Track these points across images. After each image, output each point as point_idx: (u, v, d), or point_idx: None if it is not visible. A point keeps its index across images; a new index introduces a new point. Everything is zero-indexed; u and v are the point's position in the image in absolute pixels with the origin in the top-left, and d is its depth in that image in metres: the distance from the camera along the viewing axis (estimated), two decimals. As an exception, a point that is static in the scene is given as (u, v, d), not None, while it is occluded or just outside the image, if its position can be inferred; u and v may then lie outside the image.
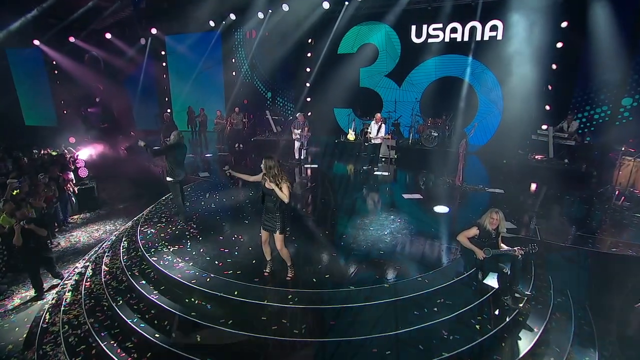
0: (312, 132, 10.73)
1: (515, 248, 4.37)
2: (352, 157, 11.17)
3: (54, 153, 11.25)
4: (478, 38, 11.07)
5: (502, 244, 4.58)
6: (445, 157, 9.82)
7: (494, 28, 10.79)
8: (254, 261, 5.04)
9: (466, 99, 11.35)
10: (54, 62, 18.39)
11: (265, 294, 4.29)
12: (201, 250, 5.43)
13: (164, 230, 6.21)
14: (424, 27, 11.77)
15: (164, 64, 16.90)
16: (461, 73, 11.52)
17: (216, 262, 5.05)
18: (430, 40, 11.80)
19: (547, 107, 10.02)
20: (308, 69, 13.88)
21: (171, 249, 5.47)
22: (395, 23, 12.08)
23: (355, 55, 13.12)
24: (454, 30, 11.42)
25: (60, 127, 17.84)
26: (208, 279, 4.63)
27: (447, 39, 11.57)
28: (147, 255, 5.32)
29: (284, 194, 4.27)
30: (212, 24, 14.38)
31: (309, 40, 13.66)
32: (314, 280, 4.55)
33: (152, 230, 6.24)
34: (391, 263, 4.98)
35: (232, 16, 13.85)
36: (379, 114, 9.69)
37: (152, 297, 4.59)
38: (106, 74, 17.91)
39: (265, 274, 4.72)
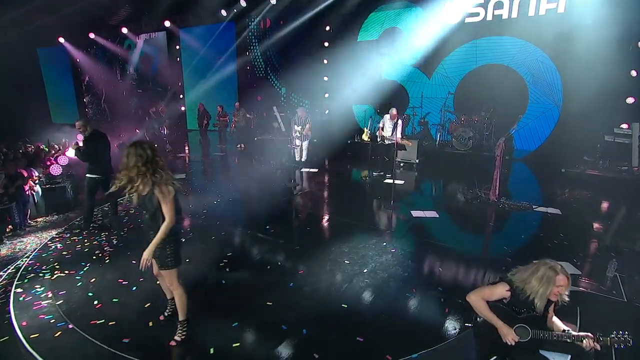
0: (324, 131, 8.91)
1: (584, 335, 2.18)
2: (364, 161, 9.13)
3: (46, 148, 10.48)
4: (531, 13, 8.66)
5: (555, 318, 2.42)
6: (481, 163, 7.58)
7: (553, -2, 8.34)
8: (148, 304, 3.30)
9: (513, 92, 8.91)
10: (77, 60, 18.44)
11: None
12: (92, 280, 3.78)
13: (74, 246, 4.68)
14: (461, 3, 9.53)
15: (178, 59, 16.00)
16: (507, 60, 9.12)
17: (95, 302, 3.37)
18: (468, 19, 9.55)
19: (630, 100, 7.41)
20: (325, 61, 12.16)
21: (55, 275, 3.89)
22: (425, 1, 9.98)
23: (378, 43, 11.16)
24: (498, 5, 9.09)
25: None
26: (58, 333, 2.95)
27: (489, 17, 9.28)
28: (16, 283, 3.77)
29: (167, 207, 2.53)
30: (223, 13, 13.24)
31: (327, 28, 11.92)
32: (211, 351, 2.67)
33: (59, 245, 4.74)
34: (352, 331, 2.94)
35: (243, 2, 12.53)
36: (394, 109, 7.65)
37: (-24, 355, 2.99)
38: (126, 76, 17.58)
39: (161, 318, 3.06)
